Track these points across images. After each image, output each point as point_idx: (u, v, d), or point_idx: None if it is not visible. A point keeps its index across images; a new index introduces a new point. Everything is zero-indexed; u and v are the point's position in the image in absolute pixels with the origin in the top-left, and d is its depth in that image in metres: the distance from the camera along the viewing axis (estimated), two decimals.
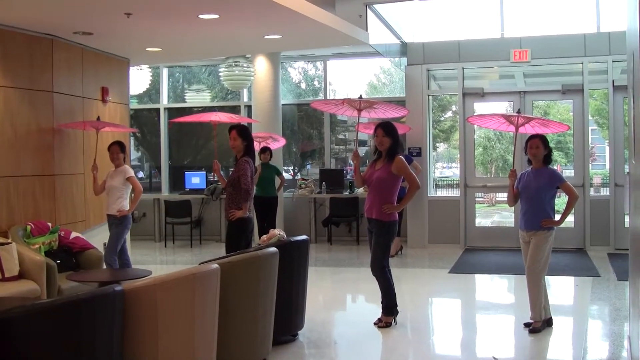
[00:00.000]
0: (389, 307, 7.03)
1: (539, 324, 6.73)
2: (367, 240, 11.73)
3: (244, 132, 7.43)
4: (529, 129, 7.56)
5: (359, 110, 7.74)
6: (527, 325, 6.84)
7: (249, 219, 7.32)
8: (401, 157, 6.88)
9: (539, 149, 6.83)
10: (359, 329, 7.02)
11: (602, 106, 13.52)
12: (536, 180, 6.81)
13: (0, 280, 6.61)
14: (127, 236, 10.00)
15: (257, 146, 11.68)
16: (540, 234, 6.78)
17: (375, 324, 6.99)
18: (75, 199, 8.70)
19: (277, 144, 12.20)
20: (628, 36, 6.07)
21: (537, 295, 6.79)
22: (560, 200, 15.33)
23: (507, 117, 7.57)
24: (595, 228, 11.81)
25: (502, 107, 14.48)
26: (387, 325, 6.95)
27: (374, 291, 7.21)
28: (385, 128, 6.91)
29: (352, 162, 8.78)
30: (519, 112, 7.76)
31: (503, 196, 13.39)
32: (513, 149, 7.79)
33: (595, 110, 13.81)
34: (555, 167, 6.71)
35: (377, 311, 7.13)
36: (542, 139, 6.92)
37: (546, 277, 9.65)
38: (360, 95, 7.69)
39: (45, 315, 3.70)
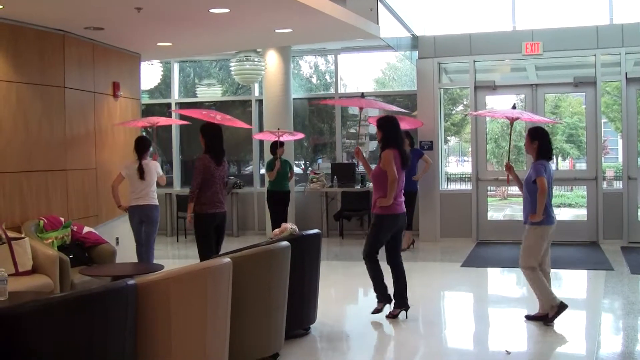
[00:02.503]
0: (379, 294, 7.05)
1: (551, 314, 6.70)
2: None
3: (203, 130, 7.62)
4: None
5: (361, 108, 7.74)
6: (528, 317, 6.86)
7: (202, 216, 7.44)
8: (389, 151, 6.82)
9: (526, 142, 6.81)
10: (371, 322, 7.02)
11: (611, 101, 13.45)
12: (528, 174, 6.79)
13: (14, 275, 6.63)
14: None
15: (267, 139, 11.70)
16: (528, 228, 6.74)
17: (387, 316, 7.01)
18: (88, 194, 8.73)
19: (293, 137, 12.14)
20: None
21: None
22: (574, 194, 15.30)
23: (506, 116, 7.58)
24: (608, 221, 11.75)
25: (514, 100, 14.47)
26: (378, 311, 7.00)
27: (386, 285, 7.20)
28: (378, 122, 7.00)
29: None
30: (513, 107, 7.79)
31: (515, 190, 13.35)
32: (509, 145, 7.77)
33: (605, 105, 13.73)
34: (541, 162, 6.63)
35: (389, 305, 7.12)
36: (529, 132, 6.86)
37: (560, 270, 9.69)
38: (362, 94, 7.70)
39: (57, 310, 3.71)
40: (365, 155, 7.68)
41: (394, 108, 11.95)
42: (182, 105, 14.56)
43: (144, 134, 10.29)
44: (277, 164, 11.01)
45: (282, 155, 11.32)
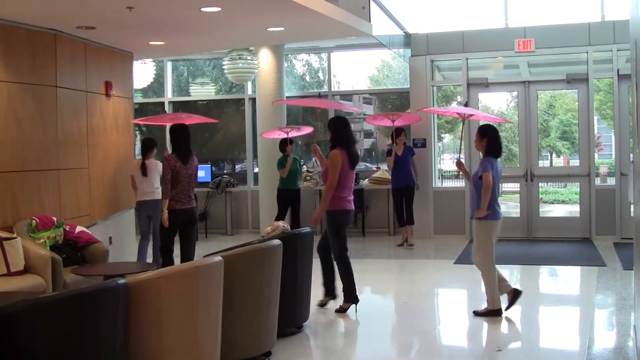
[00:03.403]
0: (347, 293, 7.13)
1: (481, 310, 6.91)
2: (373, 232, 11.77)
3: (171, 131, 8.11)
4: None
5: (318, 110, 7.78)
6: (476, 312, 6.94)
7: (169, 212, 7.69)
8: (336, 151, 7.00)
9: (476, 139, 6.95)
10: (363, 320, 7.03)
11: (605, 98, 13.48)
12: (476, 170, 6.95)
13: (6, 275, 6.63)
14: (133, 229, 10.09)
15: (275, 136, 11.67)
16: (474, 223, 6.93)
17: (336, 310, 7.11)
18: (80, 194, 8.72)
19: (301, 132, 12.05)
20: (631, 25, 6.06)
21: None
22: (567, 190, 15.33)
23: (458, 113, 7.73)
24: (601, 217, 11.78)
25: (507, 97, 14.50)
26: (343, 310, 7.07)
27: (380, 282, 7.23)
28: (328, 122, 7.28)
29: None
30: (466, 104, 7.93)
31: (508, 186, 13.38)
32: (460, 141, 7.94)
33: (599, 102, 13.77)
34: (487, 159, 6.77)
35: (383, 302, 7.15)
36: (479, 129, 7.02)
37: (553, 266, 9.71)
38: (319, 94, 7.71)
39: (49, 309, 3.71)
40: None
41: (352, 109, 11.99)
42: (175, 104, 14.55)
43: (137, 133, 10.34)
44: (289, 160, 11.05)
45: (291, 153, 11.31)
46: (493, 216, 6.79)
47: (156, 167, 9.23)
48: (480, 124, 7.41)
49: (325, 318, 7.03)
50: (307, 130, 12.14)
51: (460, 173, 7.41)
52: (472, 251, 7.03)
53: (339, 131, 7.13)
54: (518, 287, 7.13)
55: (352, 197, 7.17)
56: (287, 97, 13.42)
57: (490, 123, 7.52)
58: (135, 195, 9.42)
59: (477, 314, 6.92)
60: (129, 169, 9.51)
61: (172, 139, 7.97)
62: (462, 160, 7.29)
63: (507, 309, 6.89)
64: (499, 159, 6.92)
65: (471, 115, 7.79)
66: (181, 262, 7.66)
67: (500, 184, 6.96)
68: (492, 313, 6.84)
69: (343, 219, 7.09)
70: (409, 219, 11.59)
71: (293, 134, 11.42)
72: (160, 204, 8.51)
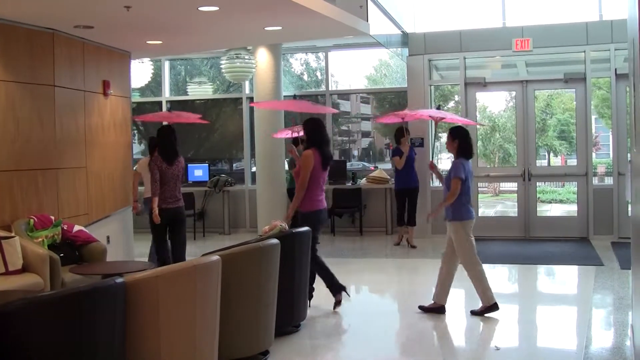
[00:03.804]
0: (333, 286, 7.22)
1: (429, 305, 7.07)
2: (371, 231, 11.78)
3: (158, 133, 8.47)
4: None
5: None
6: (473, 312, 7.02)
7: (159, 211, 7.98)
8: (308, 151, 7.13)
9: (447, 141, 7.07)
10: (362, 319, 7.04)
11: (605, 96, 13.48)
12: (448, 171, 7.08)
13: (4, 274, 6.63)
14: (131, 228, 10.08)
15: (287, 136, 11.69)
16: (448, 226, 6.99)
17: (334, 309, 7.18)
18: (78, 193, 8.71)
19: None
20: (629, 24, 6.06)
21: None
22: (565, 189, 15.35)
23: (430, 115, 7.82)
24: (598, 217, 11.80)
25: (504, 96, 14.50)
26: (339, 303, 7.18)
27: (377, 282, 7.24)
28: (303, 123, 7.46)
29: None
30: (438, 107, 8.03)
31: (506, 186, 13.41)
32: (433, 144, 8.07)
33: (601, 100, 13.77)
34: (461, 160, 6.94)
35: (380, 301, 7.16)
36: (450, 131, 7.13)
37: (550, 266, 9.72)
38: (295, 96, 7.68)
39: (47, 308, 3.72)
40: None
41: (329, 110, 11.98)
42: (173, 103, 14.55)
43: (134, 132, 10.33)
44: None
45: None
46: (468, 216, 6.90)
47: None
48: (452, 126, 7.51)
49: (323, 317, 7.04)
50: None
51: (433, 175, 7.55)
52: (444, 252, 7.13)
53: (313, 132, 7.30)
54: (516, 287, 7.13)
55: (324, 196, 7.33)
56: (284, 96, 13.42)
57: (461, 125, 7.69)
58: (134, 192, 9.55)
59: (474, 313, 6.96)
60: (137, 167, 9.60)
61: (159, 140, 8.30)
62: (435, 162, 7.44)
63: (421, 307, 7.10)
64: (470, 160, 7.05)
65: (442, 118, 7.91)
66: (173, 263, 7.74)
67: (472, 184, 7.10)
68: (489, 309, 6.90)
69: (318, 219, 7.20)
70: (411, 220, 11.53)
71: (302, 133, 11.38)
72: None
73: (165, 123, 10.84)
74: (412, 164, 11.38)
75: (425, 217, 7.03)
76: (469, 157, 7.00)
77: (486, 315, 6.90)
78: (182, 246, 8.42)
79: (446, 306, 7.05)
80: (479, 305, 6.95)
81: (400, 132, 11.27)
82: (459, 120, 8.60)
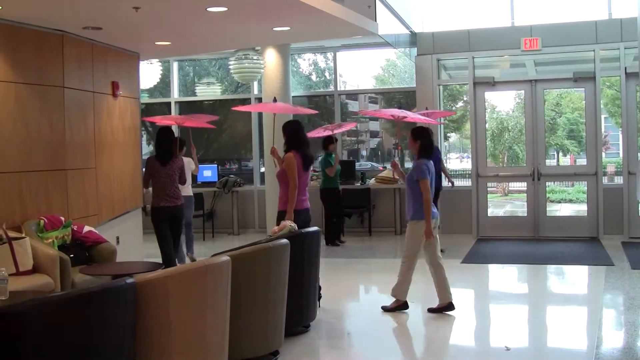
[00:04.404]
0: None
1: (392, 305, 7.13)
2: (379, 231, 11.75)
3: (156, 134, 8.76)
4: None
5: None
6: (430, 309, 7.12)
7: (153, 209, 8.39)
8: (290, 154, 7.20)
9: (409, 141, 7.15)
10: (371, 319, 7.03)
11: (615, 95, 13.43)
12: (410, 172, 7.14)
13: (15, 275, 6.63)
14: (140, 229, 10.10)
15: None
16: (408, 224, 7.10)
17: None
18: (88, 193, 8.73)
19: (343, 128, 11.96)
20: (639, 23, 6.04)
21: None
22: (575, 189, 15.29)
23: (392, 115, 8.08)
24: (608, 216, 11.76)
25: (513, 95, 14.48)
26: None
27: (386, 282, 7.23)
28: (283, 126, 7.52)
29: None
30: (400, 107, 8.07)
31: (515, 186, 13.38)
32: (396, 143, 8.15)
33: (611, 98, 13.74)
34: (424, 160, 7.07)
35: (389, 302, 7.14)
36: (412, 132, 7.19)
37: (560, 266, 9.68)
38: (275, 98, 7.72)
39: (57, 308, 3.72)
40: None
41: (308, 111, 11.97)
42: (182, 104, 14.58)
43: (143, 133, 10.43)
44: (336, 159, 11.05)
45: (334, 151, 11.29)
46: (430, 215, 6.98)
47: (188, 164, 9.73)
48: (414, 126, 7.60)
49: (332, 318, 7.03)
50: (350, 125, 12.07)
51: (395, 174, 7.72)
52: (426, 255, 7.21)
53: (293, 135, 7.39)
54: (526, 287, 7.11)
55: (307, 197, 7.44)
56: (292, 96, 13.42)
57: (422, 124, 7.79)
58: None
59: (385, 309, 7.14)
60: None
61: (156, 141, 8.62)
62: (397, 161, 7.58)
63: (384, 308, 7.17)
64: (431, 160, 7.16)
65: (404, 117, 7.96)
66: (162, 260, 8.28)
67: (434, 182, 7.22)
68: (399, 307, 7.10)
69: (300, 219, 7.22)
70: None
71: (337, 130, 11.36)
72: (188, 198, 9.78)
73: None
74: (436, 163, 11.04)
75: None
76: (429, 156, 7.11)
77: (396, 312, 7.11)
78: (179, 243, 8.77)
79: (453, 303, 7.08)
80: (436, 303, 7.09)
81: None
82: (420, 119, 8.65)
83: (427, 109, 12.06)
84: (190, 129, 10.18)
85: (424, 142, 7.05)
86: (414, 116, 8.46)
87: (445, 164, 11.28)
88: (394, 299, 7.17)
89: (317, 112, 12.28)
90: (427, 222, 6.87)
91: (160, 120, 11.08)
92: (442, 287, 7.07)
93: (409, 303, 7.12)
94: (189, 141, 10.07)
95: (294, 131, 7.42)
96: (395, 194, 12.96)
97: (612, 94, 13.54)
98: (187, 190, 9.87)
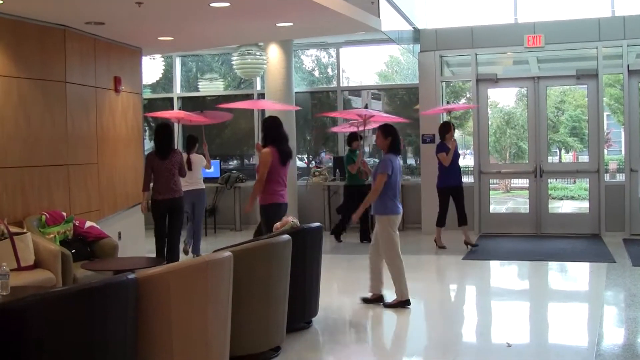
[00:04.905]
0: None
1: (393, 302, 7.17)
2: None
3: (154, 130, 9.18)
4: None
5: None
6: (385, 304, 7.23)
7: (152, 202, 8.75)
8: (267, 149, 7.54)
9: (379, 138, 7.29)
10: (373, 315, 7.04)
11: (619, 93, 13.42)
12: (377, 165, 7.30)
13: (16, 270, 6.64)
14: (142, 224, 10.11)
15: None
16: (377, 219, 7.23)
17: None
18: (90, 189, 8.74)
19: (370, 126, 11.88)
20: None
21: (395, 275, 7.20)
22: (577, 186, 15.28)
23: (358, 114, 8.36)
24: (610, 213, 11.74)
25: (516, 92, 14.46)
26: None
27: (388, 278, 7.22)
28: (262, 122, 7.88)
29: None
30: (366, 106, 8.20)
31: (518, 182, 13.38)
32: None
33: (614, 97, 13.72)
34: (390, 157, 7.21)
35: (391, 298, 7.14)
36: (382, 129, 7.32)
37: (562, 262, 9.69)
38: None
39: (58, 304, 3.73)
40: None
41: (291, 107, 12.02)
42: (184, 100, 14.58)
43: (146, 128, 10.53)
44: (360, 156, 11.08)
45: (359, 148, 11.29)
46: (393, 211, 7.12)
47: (200, 160, 10.38)
48: (384, 124, 7.65)
49: (334, 313, 7.04)
50: (376, 123, 12.02)
51: (364, 170, 8.00)
52: (371, 245, 7.39)
53: (271, 130, 7.67)
54: (527, 284, 7.11)
55: (284, 192, 7.71)
56: (295, 92, 13.42)
57: (390, 122, 7.91)
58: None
59: (386, 305, 7.19)
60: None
61: (154, 137, 8.93)
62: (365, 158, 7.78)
63: (364, 299, 7.33)
64: (399, 156, 7.33)
65: (371, 116, 8.08)
66: (158, 252, 8.80)
67: (400, 179, 7.32)
68: (402, 304, 7.11)
69: (274, 212, 7.53)
70: (464, 220, 10.81)
71: (362, 127, 11.33)
72: (201, 192, 10.40)
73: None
74: (457, 160, 10.80)
75: (354, 218, 7.35)
76: (398, 153, 7.28)
77: (398, 309, 7.11)
78: (178, 236, 9.04)
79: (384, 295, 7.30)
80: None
81: (445, 127, 10.76)
82: (385, 118, 8.73)
83: (448, 103, 12.12)
84: (203, 126, 10.61)
85: (394, 139, 7.22)
86: (380, 115, 8.60)
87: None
88: (371, 296, 7.31)
89: (299, 108, 12.31)
90: (361, 206, 7.22)
91: (162, 115, 11.16)
92: (376, 279, 7.30)
93: (411, 299, 7.13)
94: (202, 138, 10.53)
95: (272, 127, 7.68)
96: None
97: (614, 93, 13.53)
98: (199, 183, 10.36)
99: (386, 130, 7.28)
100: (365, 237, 11.55)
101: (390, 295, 7.26)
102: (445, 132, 10.69)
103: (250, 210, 8.10)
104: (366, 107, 8.14)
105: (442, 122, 11.14)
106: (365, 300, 7.31)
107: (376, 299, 7.27)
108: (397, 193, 7.18)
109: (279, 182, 7.63)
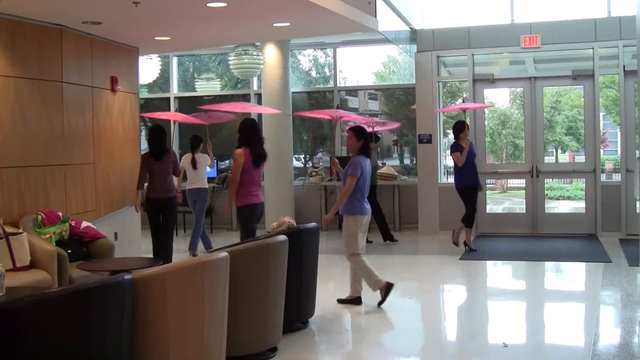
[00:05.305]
0: None
1: (382, 296, 7.21)
2: (377, 228, 11.76)
3: (149, 130, 9.43)
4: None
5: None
6: (339, 300, 7.38)
7: (147, 200, 9.05)
8: (239, 150, 7.70)
9: (350, 139, 7.35)
10: (369, 316, 7.04)
11: (613, 94, 13.43)
12: (347, 166, 7.35)
13: (12, 270, 6.63)
14: (139, 225, 10.10)
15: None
16: (344, 218, 7.30)
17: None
18: (86, 189, 8.73)
19: (386, 127, 11.84)
20: (638, 20, 6.05)
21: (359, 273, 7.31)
22: (573, 186, 15.29)
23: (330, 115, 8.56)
24: (606, 213, 11.76)
25: (510, 92, 14.48)
26: None
27: (385, 278, 7.22)
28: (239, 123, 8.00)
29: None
30: (337, 107, 8.28)
31: (514, 182, 13.39)
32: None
33: (610, 98, 13.75)
34: (361, 158, 7.34)
35: (388, 298, 7.14)
36: (355, 131, 7.40)
37: (558, 262, 9.70)
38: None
39: (54, 304, 3.72)
40: None
41: (269, 110, 12.05)
42: (181, 100, 14.57)
43: (142, 128, 10.56)
44: (372, 157, 11.09)
45: (373, 149, 11.30)
46: (360, 211, 7.19)
47: (204, 160, 10.77)
48: (353, 126, 7.84)
49: (331, 314, 7.04)
50: (393, 125, 12.00)
51: (335, 170, 8.14)
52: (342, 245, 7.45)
53: (245, 132, 7.83)
54: (523, 284, 7.12)
55: (259, 192, 7.86)
56: (292, 92, 13.42)
57: (361, 124, 8.05)
58: (178, 185, 10.34)
59: (340, 301, 7.33)
60: (181, 162, 10.58)
61: (149, 138, 9.15)
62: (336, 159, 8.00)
63: (380, 304, 7.20)
64: (368, 158, 7.39)
65: (341, 117, 8.14)
66: (154, 250, 9.06)
67: (368, 180, 7.38)
68: (354, 301, 7.26)
69: (250, 212, 7.71)
70: (470, 221, 10.55)
71: (378, 128, 11.29)
72: (204, 191, 10.76)
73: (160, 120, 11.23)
74: (472, 160, 10.56)
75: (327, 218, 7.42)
76: (368, 155, 7.37)
77: (349, 305, 7.26)
78: (169, 238, 9.18)
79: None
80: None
81: (459, 126, 10.51)
82: (355, 118, 8.72)
83: (463, 101, 12.13)
84: (207, 127, 10.84)
85: (365, 141, 7.31)
86: (351, 115, 8.66)
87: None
88: (380, 294, 7.27)
89: (278, 111, 12.30)
90: (332, 209, 7.32)
91: (159, 116, 11.27)
92: (355, 280, 7.34)
93: (408, 299, 7.13)
94: (206, 138, 10.82)
95: (245, 128, 7.84)
96: (394, 190, 12.97)
97: (610, 95, 13.55)
98: (203, 182, 10.75)
99: (359, 132, 7.35)
100: (387, 236, 11.54)
101: (366, 296, 7.32)
102: (460, 131, 10.45)
103: (228, 211, 8.19)
104: (338, 107, 8.26)
105: (456, 121, 10.91)
106: (340, 301, 7.37)
107: (354, 300, 7.31)
108: (365, 194, 7.26)
109: (252, 183, 7.76)
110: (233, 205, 7.95)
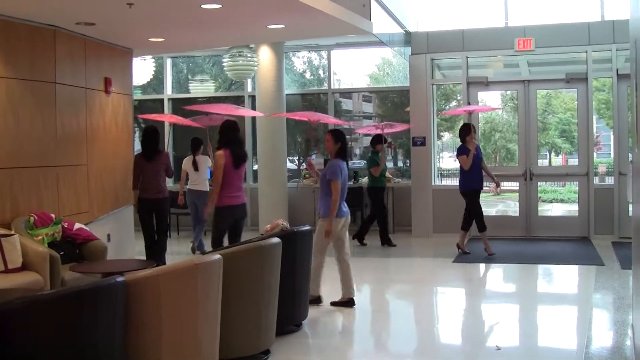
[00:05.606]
0: None
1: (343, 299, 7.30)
2: (373, 230, 11.78)
3: (143, 131, 9.64)
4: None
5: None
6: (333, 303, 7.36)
7: (138, 200, 9.17)
8: (219, 152, 7.69)
9: (328, 142, 7.37)
10: (363, 318, 7.04)
11: (605, 98, 13.47)
12: (324, 170, 7.37)
13: (4, 272, 6.61)
14: (132, 226, 10.08)
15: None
16: (319, 222, 7.30)
17: None
18: (79, 190, 8.70)
19: (394, 129, 11.83)
20: (631, 24, 6.06)
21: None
22: (566, 189, 15.32)
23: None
24: (599, 216, 11.79)
25: (504, 95, 14.50)
26: None
27: (379, 281, 7.23)
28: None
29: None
30: (315, 110, 8.43)
31: (507, 185, 13.40)
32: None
33: (604, 102, 13.78)
34: (341, 159, 7.38)
35: (381, 301, 7.15)
36: (334, 134, 7.42)
37: (551, 265, 9.72)
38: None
39: (46, 307, 3.71)
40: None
41: (254, 113, 12.09)
42: (175, 101, 14.54)
43: (136, 130, 10.58)
44: (382, 158, 11.02)
45: (382, 151, 11.28)
46: (338, 214, 7.20)
47: (205, 162, 10.89)
48: (331, 129, 7.95)
49: (324, 316, 7.03)
50: (402, 127, 11.99)
51: (311, 172, 8.08)
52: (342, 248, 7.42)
53: (225, 134, 7.84)
54: (516, 287, 7.12)
55: (239, 194, 7.85)
56: (286, 94, 13.42)
57: (340, 127, 8.00)
58: (180, 186, 11.17)
59: (333, 304, 7.33)
60: (183, 165, 11.05)
61: (142, 139, 9.35)
62: (313, 160, 8.03)
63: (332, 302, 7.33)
64: (344, 161, 7.42)
65: (319, 119, 8.20)
66: (146, 250, 9.19)
67: (347, 183, 7.43)
68: (346, 303, 7.26)
69: (227, 213, 7.74)
70: (468, 224, 10.56)
71: (387, 130, 11.27)
72: (203, 194, 10.64)
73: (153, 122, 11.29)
74: (479, 163, 10.42)
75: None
76: (345, 158, 7.40)
77: (342, 307, 7.25)
78: (163, 235, 9.34)
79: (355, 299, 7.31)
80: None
81: (466, 129, 10.40)
82: (333, 121, 9.48)
83: (469, 103, 12.14)
84: (207, 129, 10.73)
85: (343, 144, 7.34)
86: (329, 119, 8.72)
87: (485, 163, 10.73)
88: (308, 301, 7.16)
89: (263, 114, 12.30)
90: (328, 222, 7.11)
91: (154, 117, 11.32)
92: (346, 283, 7.32)
93: (402, 302, 7.13)
94: (206, 140, 10.75)
95: (226, 130, 7.85)
96: (388, 193, 12.96)
97: (603, 99, 13.58)
98: (204, 185, 10.84)
99: (337, 135, 7.36)
100: (386, 240, 11.54)
101: (359, 298, 7.32)
102: (466, 135, 10.34)
103: (209, 212, 8.07)
104: (315, 110, 8.54)
105: (463, 124, 10.82)
106: (333, 304, 7.35)
107: (345, 302, 7.29)
108: (343, 196, 7.30)
109: (232, 185, 7.77)
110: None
